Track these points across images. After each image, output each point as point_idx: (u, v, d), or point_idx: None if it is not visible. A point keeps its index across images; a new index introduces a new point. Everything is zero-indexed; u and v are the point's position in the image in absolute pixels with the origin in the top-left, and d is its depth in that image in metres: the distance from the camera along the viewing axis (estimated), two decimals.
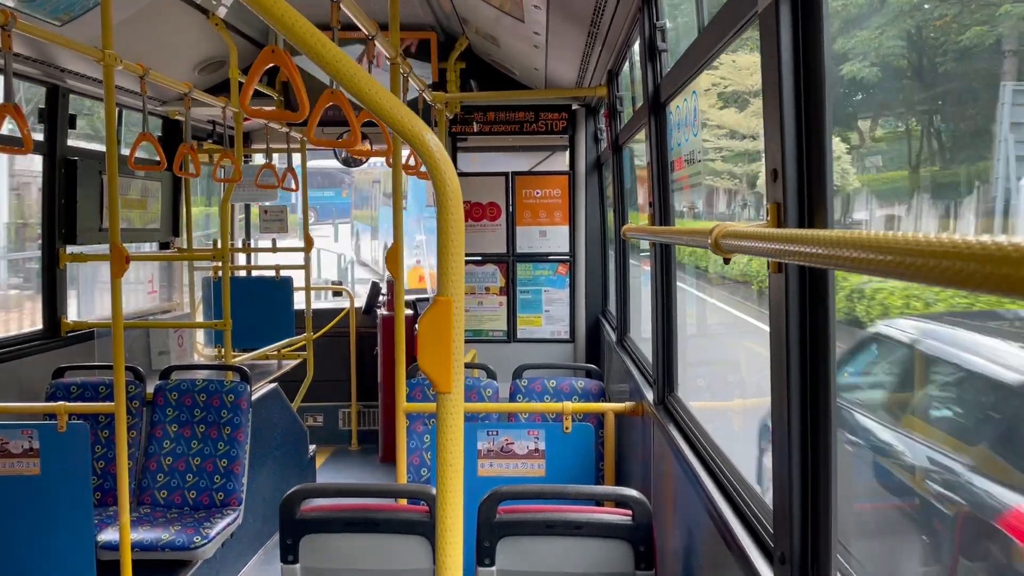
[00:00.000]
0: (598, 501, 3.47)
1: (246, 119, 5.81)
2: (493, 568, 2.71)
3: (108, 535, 4.47)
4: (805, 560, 1.63)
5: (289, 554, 2.75)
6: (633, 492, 2.67)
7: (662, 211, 3.32)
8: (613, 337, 5.54)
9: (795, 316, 1.59)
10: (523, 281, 7.10)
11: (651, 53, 3.35)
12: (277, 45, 1.95)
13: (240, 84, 5.58)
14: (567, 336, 7.05)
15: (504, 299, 7.07)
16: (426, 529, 2.74)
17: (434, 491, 2.74)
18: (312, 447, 6.75)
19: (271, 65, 2.22)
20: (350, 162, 8.86)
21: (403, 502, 3.50)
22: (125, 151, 5.45)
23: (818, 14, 1.50)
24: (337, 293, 9.48)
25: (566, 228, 7.03)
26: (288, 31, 1.29)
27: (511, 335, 7.07)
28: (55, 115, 5.31)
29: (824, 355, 1.56)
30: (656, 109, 3.37)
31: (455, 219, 1.41)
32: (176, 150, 6.85)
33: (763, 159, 1.66)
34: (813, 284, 1.58)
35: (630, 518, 2.64)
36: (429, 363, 1.42)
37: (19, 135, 3.79)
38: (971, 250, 0.73)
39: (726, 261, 1.63)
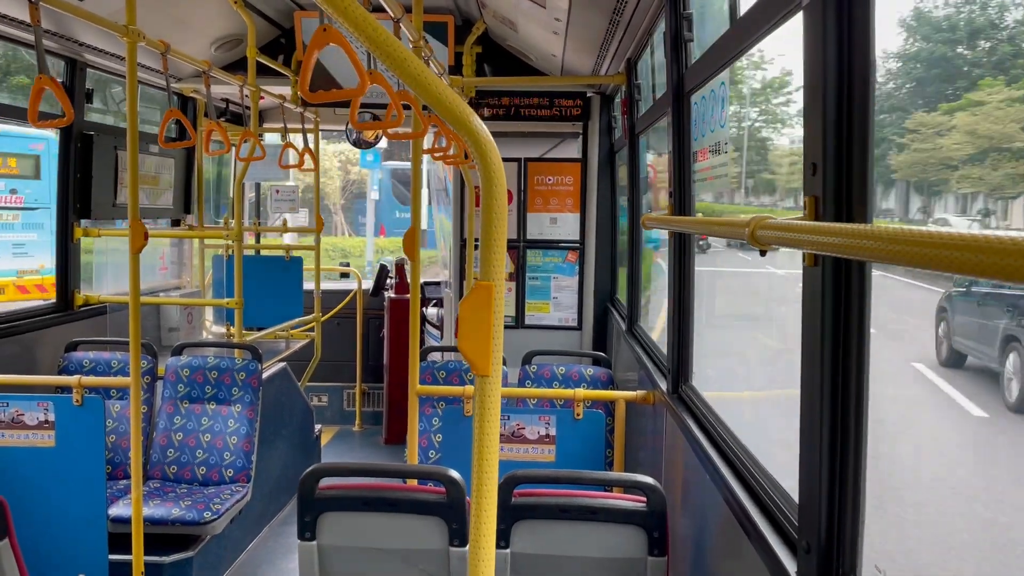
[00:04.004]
0: (607, 487, 3.50)
1: (261, 98, 5.80)
2: (508, 551, 2.74)
3: (118, 509, 4.51)
4: (831, 550, 1.65)
5: (307, 531, 2.78)
6: (648, 479, 2.69)
7: (683, 201, 3.33)
8: (623, 326, 5.56)
9: (829, 309, 1.61)
10: (532, 267, 7.10)
11: (676, 42, 3.34)
12: (330, 24, 1.96)
13: (258, 63, 5.57)
14: (575, 323, 7.07)
15: (513, 285, 7.08)
16: (442, 510, 2.77)
17: (451, 473, 2.76)
18: (318, 427, 6.79)
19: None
20: (361, 143, 8.83)
21: (413, 483, 3.52)
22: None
23: (866, 6, 1.50)
24: (345, 275, 9.50)
25: (577, 216, 7.03)
26: (343, 14, 1.30)
27: (519, 321, 7.09)
28: (73, 89, 5.31)
29: (859, 349, 1.58)
30: (679, 99, 3.37)
31: (499, 205, 1.42)
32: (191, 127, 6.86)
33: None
34: (848, 277, 1.60)
35: (644, 504, 2.66)
36: (469, 346, 1.43)
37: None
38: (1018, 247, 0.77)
39: (762, 253, 1.65)
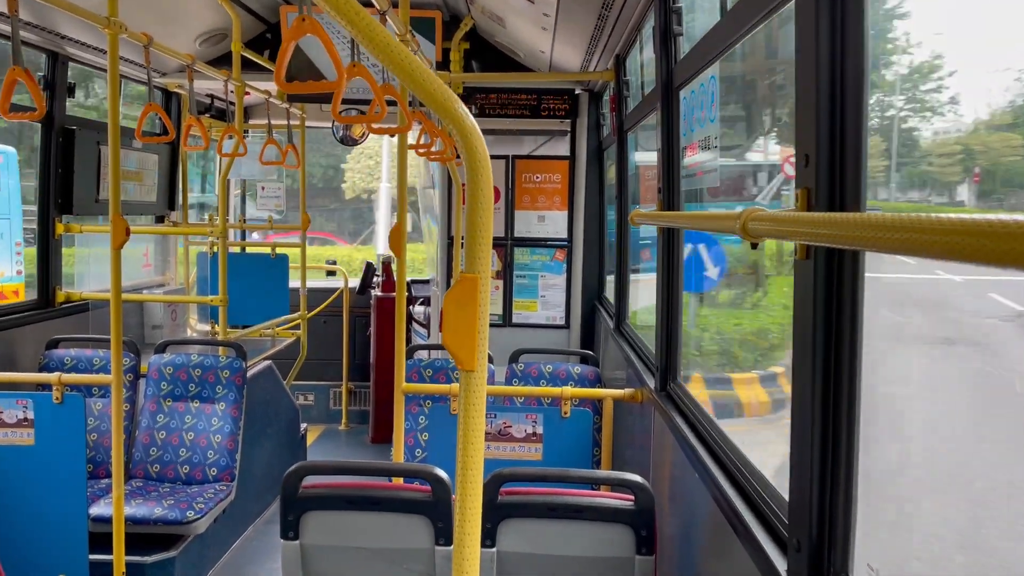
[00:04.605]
0: (594, 486, 3.47)
1: (247, 94, 5.74)
2: (494, 549, 2.70)
3: (99, 508, 4.45)
4: (822, 548, 1.62)
5: (290, 530, 2.73)
6: (636, 477, 2.66)
7: (671, 197, 3.30)
8: (610, 324, 5.53)
9: (821, 304, 1.58)
10: (520, 266, 7.06)
11: (665, 37, 3.31)
12: (309, 14, 1.92)
13: (243, 58, 5.50)
14: (562, 322, 7.03)
15: (500, 283, 7.04)
16: (427, 508, 2.73)
17: (437, 471, 2.72)
18: (303, 425, 6.73)
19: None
20: (347, 140, 8.76)
21: (398, 481, 3.49)
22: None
23: None
24: (332, 273, 9.44)
25: (564, 214, 6.99)
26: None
27: (506, 319, 7.05)
28: (54, 83, 5.23)
29: (852, 343, 1.55)
30: (668, 94, 3.35)
31: (485, 195, 1.39)
32: (174, 122, 6.78)
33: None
34: (841, 271, 1.57)
35: (632, 503, 2.64)
36: (453, 341, 1.39)
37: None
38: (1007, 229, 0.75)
39: (754, 246, 1.62)
